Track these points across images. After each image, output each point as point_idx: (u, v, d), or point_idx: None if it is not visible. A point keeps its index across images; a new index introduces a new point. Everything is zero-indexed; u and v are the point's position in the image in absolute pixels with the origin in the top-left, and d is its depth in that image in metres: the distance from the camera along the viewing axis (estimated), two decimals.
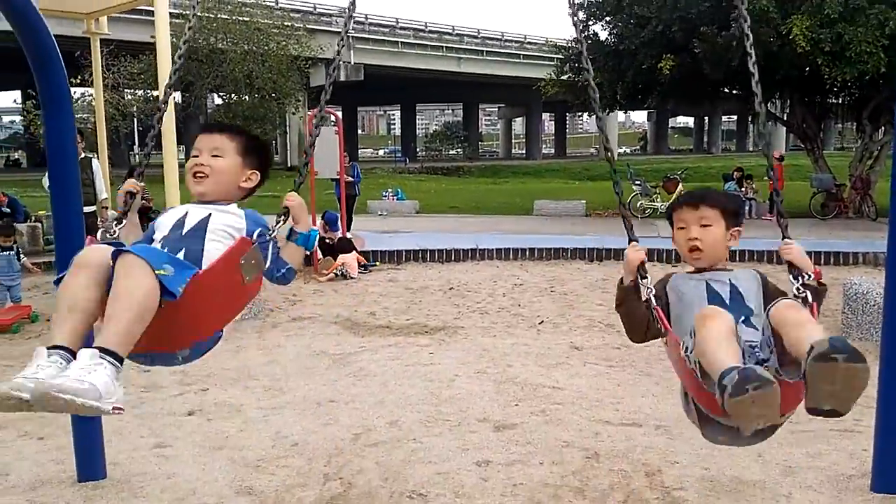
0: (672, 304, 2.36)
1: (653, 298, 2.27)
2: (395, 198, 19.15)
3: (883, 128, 17.11)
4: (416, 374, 5.40)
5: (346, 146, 12.32)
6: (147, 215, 9.73)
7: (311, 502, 3.43)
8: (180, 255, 2.04)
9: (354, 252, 9.67)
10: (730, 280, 2.34)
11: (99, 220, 8.83)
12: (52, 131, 3.47)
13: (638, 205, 16.99)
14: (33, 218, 11.60)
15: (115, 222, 2.18)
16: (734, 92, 18.55)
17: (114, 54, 23.26)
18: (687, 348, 2.09)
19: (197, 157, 2.26)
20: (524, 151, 75.01)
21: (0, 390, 1.64)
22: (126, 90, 28.58)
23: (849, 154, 23.97)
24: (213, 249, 2.09)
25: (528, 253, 10.56)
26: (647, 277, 2.30)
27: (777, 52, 14.27)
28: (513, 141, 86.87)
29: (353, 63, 43.91)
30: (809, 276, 2.24)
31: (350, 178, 12.25)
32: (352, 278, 9.21)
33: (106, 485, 3.59)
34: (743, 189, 16.34)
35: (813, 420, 4.34)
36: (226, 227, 2.16)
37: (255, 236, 2.16)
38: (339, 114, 11.91)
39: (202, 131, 2.30)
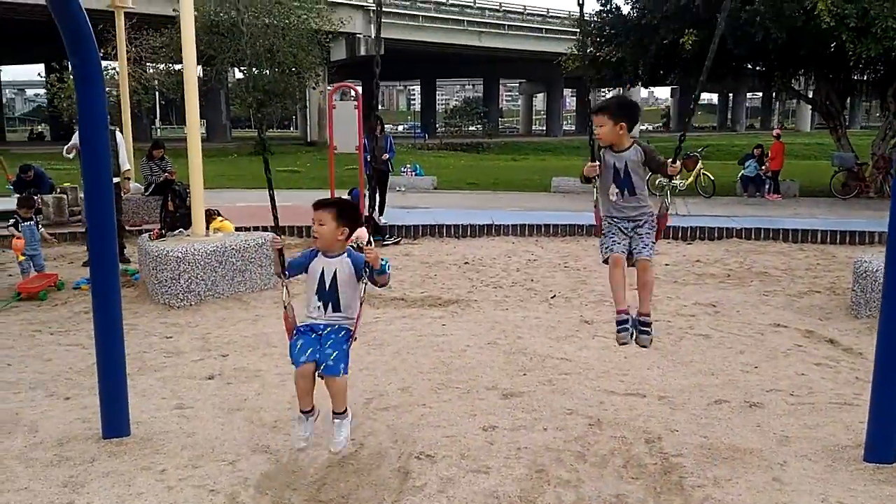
0: (603, 168, 3.81)
1: (596, 195, 3.94)
2: (413, 173, 19.22)
3: None
4: (428, 344, 5.54)
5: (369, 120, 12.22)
6: (171, 187, 9.94)
7: (324, 461, 3.61)
8: (331, 307, 3.41)
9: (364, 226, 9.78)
10: (625, 162, 3.75)
11: (122, 191, 9.04)
12: (85, 107, 3.58)
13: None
14: (59, 189, 11.85)
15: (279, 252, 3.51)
16: (757, 68, 18.34)
17: (136, 28, 23.41)
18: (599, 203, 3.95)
19: (312, 226, 3.47)
20: (545, 128, 74.49)
21: (298, 446, 3.52)
22: (148, 64, 28.75)
23: (875, 132, 23.63)
24: (345, 294, 3.43)
25: (543, 229, 10.65)
26: (594, 183, 3.86)
27: (801, 28, 14.07)
28: (534, 117, 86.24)
29: (373, 37, 43.77)
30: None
31: (384, 155, 11.04)
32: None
33: (129, 442, 3.79)
34: (763, 168, 16.22)
35: (813, 393, 4.47)
36: (348, 278, 3.43)
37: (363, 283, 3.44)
38: (360, 88, 11.94)
39: (315, 209, 3.45)
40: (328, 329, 3.39)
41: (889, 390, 3.44)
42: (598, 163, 3.78)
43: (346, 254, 3.46)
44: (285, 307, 3.50)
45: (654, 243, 3.81)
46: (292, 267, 3.50)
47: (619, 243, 3.78)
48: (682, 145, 3.96)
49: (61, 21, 3.20)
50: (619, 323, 3.77)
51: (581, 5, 3.99)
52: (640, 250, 3.74)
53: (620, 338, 3.76)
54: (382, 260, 3.40)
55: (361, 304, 3.46)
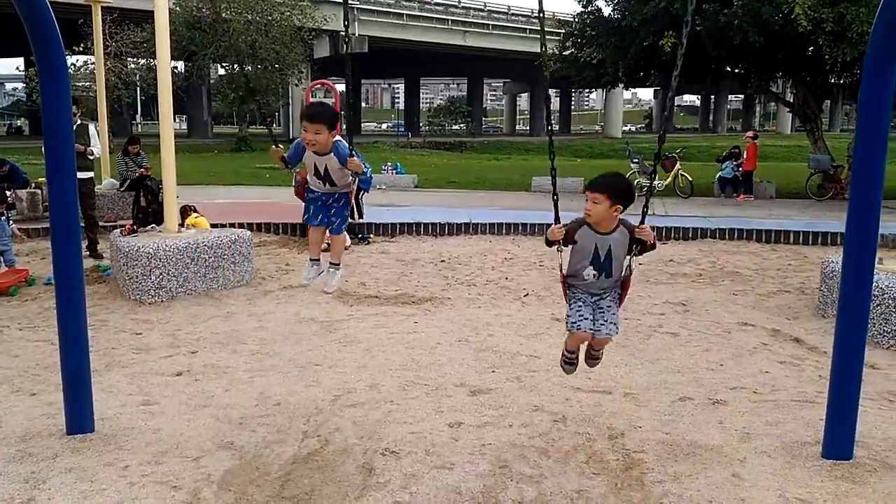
0: (575, 245, 3.54)
1: (561, 260, 3.63)
2: (394, 172, 19.19)
3: None
4: (399, 341, 5.56)
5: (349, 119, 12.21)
6: (144, 183, 9.88)
7: (289, 457, 3.61)
8: (327, 184, 4.14)
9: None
10: (609, 245, 3.50)
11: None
12: (47, 100, 3.56)
13: (635, 182, 17.04)
14: (33, 185, 11.71)
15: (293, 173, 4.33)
16: (736, 71, 18.50)
17: (117, 22, 23.20)
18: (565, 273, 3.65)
19: (307, 133, 3.93)
20: (528, 128, 74.66)
21: (303, 283, 4.91)
22: (129, 59, 28.49)
23: (853, 135, 23.92)
24: (335, 176, 4.10)
25: (520, 228, 10.68)
26: (561, 249, 3.56)
27: (779, 32, 14.23)
28: (517, 117, 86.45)
29: (357, 35, 43.68)
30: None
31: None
32: (345, 248, 9.34)
33: (93, 438, 3.77)
34: (738, 168, 16.36)
35: (776, 391, 4.53)
36: (337, 169, 4.07)
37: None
38: (341, 86, 11.95)
39: (308, 120, 3.95)
40: (330, 199, 4.21)
41: (846, 387, 3.50)
42: (561, 226, 3.44)
43: (332, 152, 4.02)
44: (296, 182, 4.32)
45: (617, 316, 3.57)
46: (292, 160, 4.15)
47: (585, 318, 3.49)
48: (661, 147, 3.89)
49: (24, 13, 3.18)
50: (566, 362, 3.77)
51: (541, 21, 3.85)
52: (603, 330, 3.50)
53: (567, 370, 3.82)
54: (366, 169, 4.24)
55: (352, 178, 4.19)
